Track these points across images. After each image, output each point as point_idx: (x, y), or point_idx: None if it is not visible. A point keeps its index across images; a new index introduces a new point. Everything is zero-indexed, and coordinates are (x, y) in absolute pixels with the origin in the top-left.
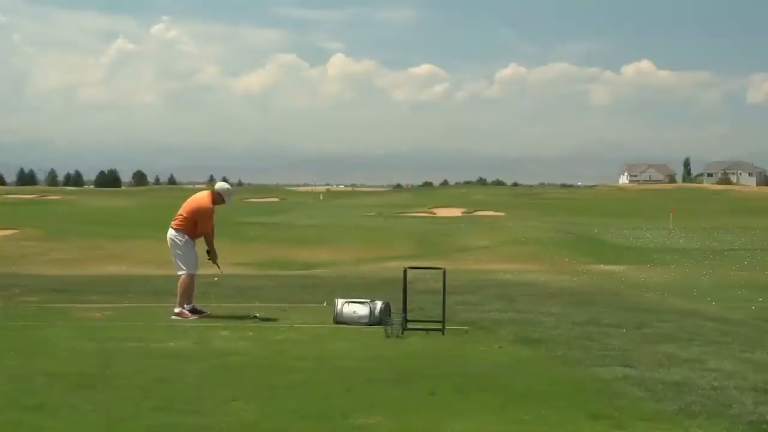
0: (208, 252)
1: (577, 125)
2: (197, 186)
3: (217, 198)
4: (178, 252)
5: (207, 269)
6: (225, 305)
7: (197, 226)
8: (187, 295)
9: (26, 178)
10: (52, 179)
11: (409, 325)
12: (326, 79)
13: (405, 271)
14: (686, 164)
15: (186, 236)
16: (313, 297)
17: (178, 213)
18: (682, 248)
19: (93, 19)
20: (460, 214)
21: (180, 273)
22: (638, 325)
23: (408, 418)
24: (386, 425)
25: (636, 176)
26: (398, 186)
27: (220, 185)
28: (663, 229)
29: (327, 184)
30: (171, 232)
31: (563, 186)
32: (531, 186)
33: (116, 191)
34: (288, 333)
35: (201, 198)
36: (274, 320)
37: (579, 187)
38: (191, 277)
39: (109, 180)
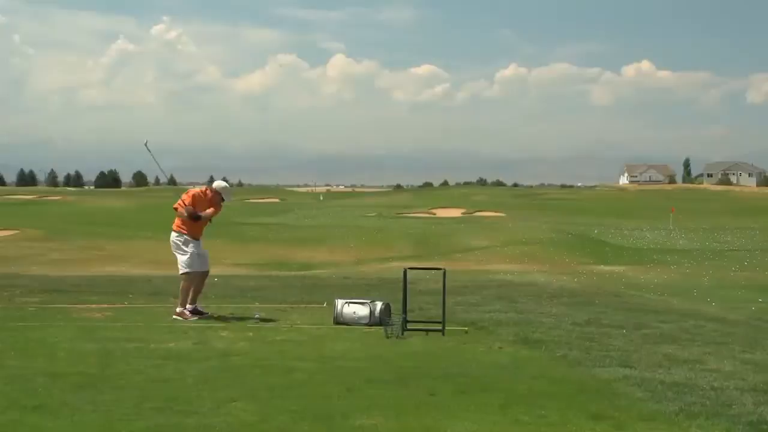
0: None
1: (577, 125)
2: (197, 186)
3: (215, 196)
4: (178, 253)
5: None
6: (225, 305)
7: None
8: (188, 296)
9: (26, 179)
10: (52, 180)
11: (409, 326)
12: (326, 80)
13: (405, 272)
14: (686, 165)
15: (185, 236)
16: (313, 297)
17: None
18: (682, 249)
19: (93, 19)
20: (460, 215)
21: (182, 273)
22: (638, 325)
23: (408, 418)
24: (386, 426)
25: (636, 177)
26: (398, 186)
27: (217, 183)
28: (663, 230)
29: (327, 185)
30: (172, 235)
31: (563, 186)
32: (531, 186)
33: (116, 192)
34: (288, 333)
35: (193, 189)
36: (274, 321)
37: (579, 187)
38: (191, 278)
39: (109, 180)
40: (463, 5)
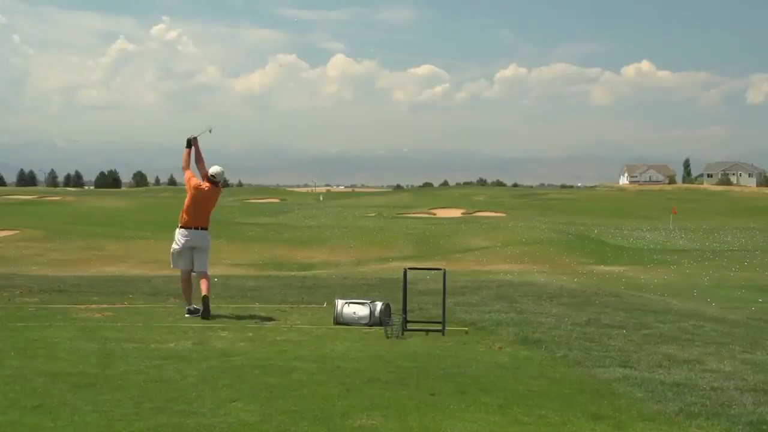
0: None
1: (577, 125)
2: None
3: (211, 179)
4: (209, 252)
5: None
6: (225, 305)
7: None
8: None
9: (26, 179)
10: (52, 180)
11: (409, 326)
12: (326, 80)
13: (405, 272)
14: (686, 165)
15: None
16: (313, 297)
17: (202, 213)
18: (682, 249)
19: (93, 19)
20: (460, 215)
21: (207, 271)
22: (638, 326)
23: (408, 418)
24: (386, 426)
25: (636, 177)
26: (398, 186)
27: (213, 169)
28: (663, 230)
29: (327, 185)
30: (203, 234)
31: (563, 187)
32: (531, 187)
33: (116, 192)
34: (288, 334)
35: (206, 190)
36: (275, 321)
37: (579, 187)
38: None
39: (109, 181)
40: (463, 5)
